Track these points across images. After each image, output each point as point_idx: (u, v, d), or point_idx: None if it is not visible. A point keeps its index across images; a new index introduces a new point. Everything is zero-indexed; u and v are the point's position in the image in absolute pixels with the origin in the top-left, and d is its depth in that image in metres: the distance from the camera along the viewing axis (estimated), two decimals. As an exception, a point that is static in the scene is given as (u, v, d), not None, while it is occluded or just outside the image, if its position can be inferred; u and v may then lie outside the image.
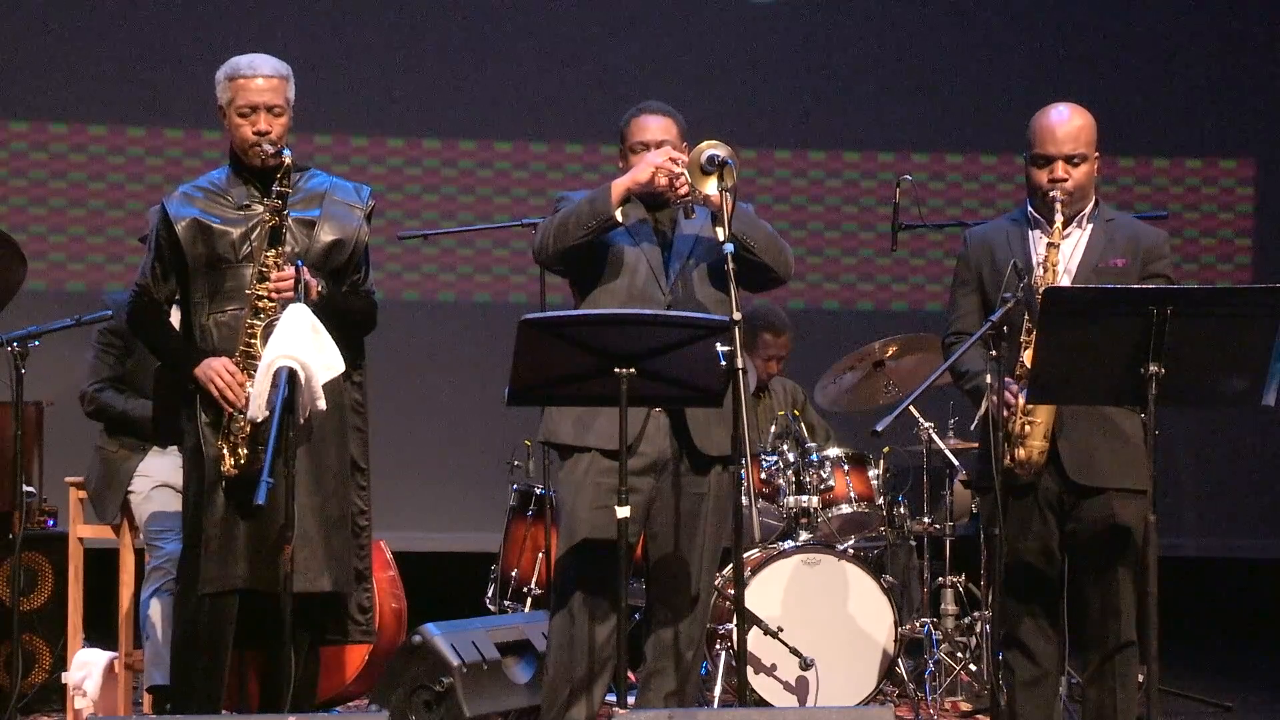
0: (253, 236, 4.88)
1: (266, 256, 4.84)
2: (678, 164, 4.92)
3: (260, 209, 4.90)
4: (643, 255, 5.06)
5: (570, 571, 5.05)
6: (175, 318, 5.06)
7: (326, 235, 4.97)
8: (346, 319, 4.98)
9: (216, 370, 4.80)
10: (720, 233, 4.86)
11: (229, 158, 5.01)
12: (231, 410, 4.80)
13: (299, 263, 4.80)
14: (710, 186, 4.86)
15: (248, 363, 4.79)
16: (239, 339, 4.84)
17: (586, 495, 5.02)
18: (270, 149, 4.86)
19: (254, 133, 4.89)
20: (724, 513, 5.08)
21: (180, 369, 4.90)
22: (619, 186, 4.98)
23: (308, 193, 4.99)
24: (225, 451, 4.81)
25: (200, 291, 4.91)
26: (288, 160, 4.83)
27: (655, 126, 5.11)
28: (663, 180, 4.94)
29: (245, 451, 4.80)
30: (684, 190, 4.94)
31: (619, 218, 4.97)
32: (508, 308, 9.07)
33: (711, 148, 4.87)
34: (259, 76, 4.92)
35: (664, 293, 5.03)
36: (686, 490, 5.05)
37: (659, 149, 5.00)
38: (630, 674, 5.21)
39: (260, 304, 4.83)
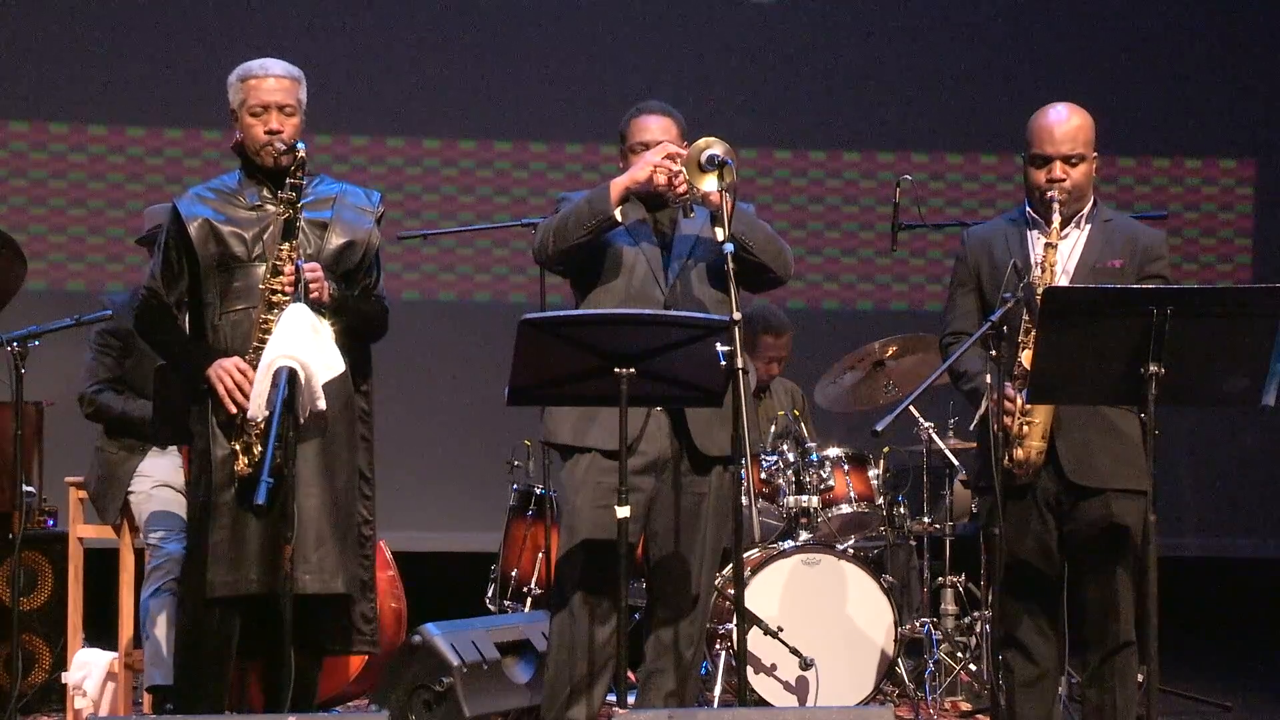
0: (265, 236, 4.87)
1: (280, 250, 4.81)
2: (676, 162, 4.93)
3: (273, 209, 4.88)
4: (641, 255, 5.06)
5: (571, 571, 5.05)
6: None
7: (338, 237, 4.95)
8: (360, 320, 4.97)
9: (227, 369, 4.78)
10: (719, 232, 4.86)
11: (240, 160, 4.99)
12: (235, 410, 4.79)
13: (299, 262, 4.80)
14: (708, 184, 4.85)
15: (260, 358, 4.77)
16: (252, 335, 4.82)
17: (587, 494, 5.01)
18: (283, 146, 4.85)
19: (266, 132, 4.88)
20: (724, 513, 5.08)
21: (193, 370, 4.87)
22: (618, 186, 4.98)
23: (319, 196, 4.98)
24: (239, 450, 4.79)
25: (212, 291, 4.89)
26: (302, 153, 4.81)
27: (655, 127, 5.11)
28: (661, 179, 4.94)
29: (260, 449, 4.76)
30: (682, 189, 4.94)
31: (618, 217, 4.97)
32: (508, 308, 9.07)
33: (710, 146, 4.87)
34: (270, 77, 4.92)
35: (662, 292, 5.03)
36: (687, 490, 5.05)
37: (658, 148, 5.01)
38: (630, 674, 5.21)
39: (274, 298, 4.80)
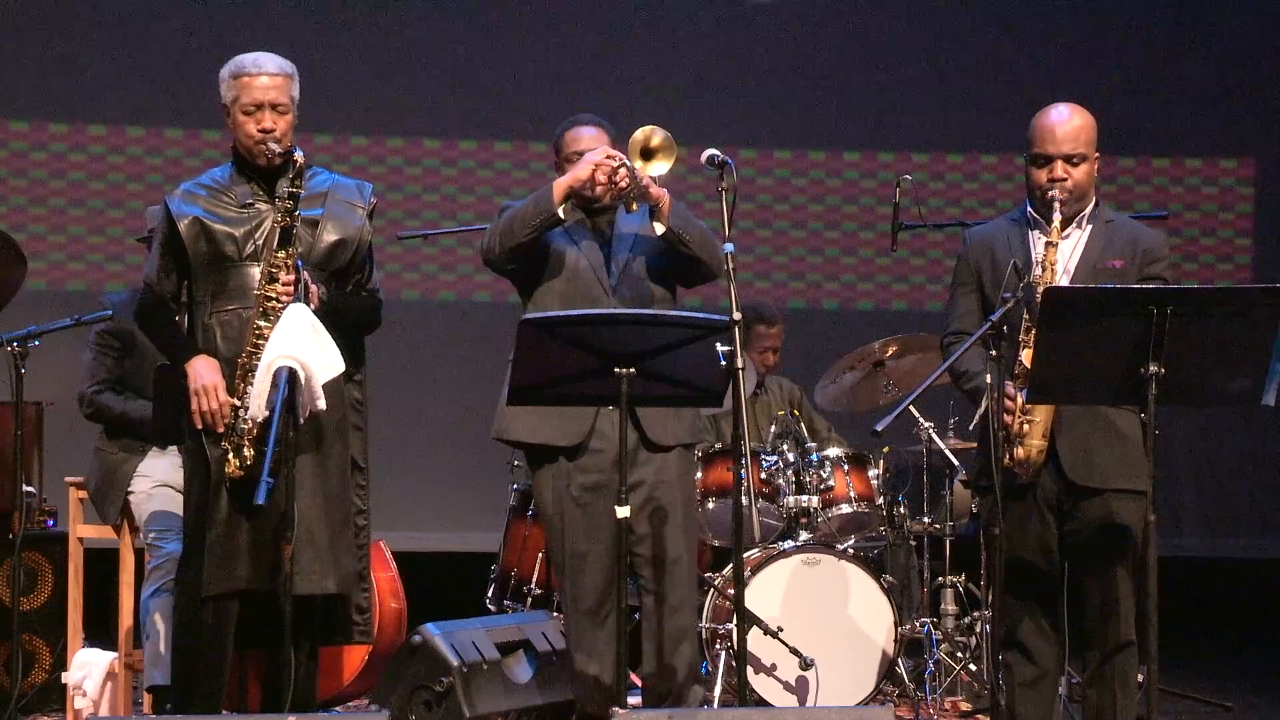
0: (256, 235, 4.87)
1: (276, 257, 4.80)
2: (614, 160, 5.05)
3: (264, 208, 4.88)
4: (583, 256, 5.18)
5: (562, 582, 5.16)
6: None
7: (330, 235, 4.95)
8: (350, 319, 4.97)
9: (209, 392, 4.78)
10: (658, 227, 5.07)
11: (232, 156, 4.99)
12: (204, 425, 4.79)
13: (299, 264, 4.79)
14: (654, 169, 5.01)
15: (253, 364, 4.76)
16: (246, 340, 4.81)
17: (559, 507, 5.12)
18: (277, 148, 4.83)
19: (259, 130, 4.87)
20: (689, 488, 5.23)
21: (176, 365, 4.88)
22: (561, 185, 5.11)
23: (311, 191, 4.96)
24: (230, 453, 4.79)
25: (203, 290, 4.90)
26: (300, 159, 4.80)
27: (589, 137, 5.26)
28: (601, 176, 5.07)
29: (250, 453, 4.77)
30: (624, 183, 5.04)
31: (561, 214, 5.08)
32: (508, 308, 9.00)
33: (651, 135, 5.01)
34: (263, 74, 4.90)
35: (607, 292, 5.13)
36: (647, 470, 5.09)
37: (597, 149, 5.14)
38: (630, 674, 5.21)
39: (269, 305, 4.80)
